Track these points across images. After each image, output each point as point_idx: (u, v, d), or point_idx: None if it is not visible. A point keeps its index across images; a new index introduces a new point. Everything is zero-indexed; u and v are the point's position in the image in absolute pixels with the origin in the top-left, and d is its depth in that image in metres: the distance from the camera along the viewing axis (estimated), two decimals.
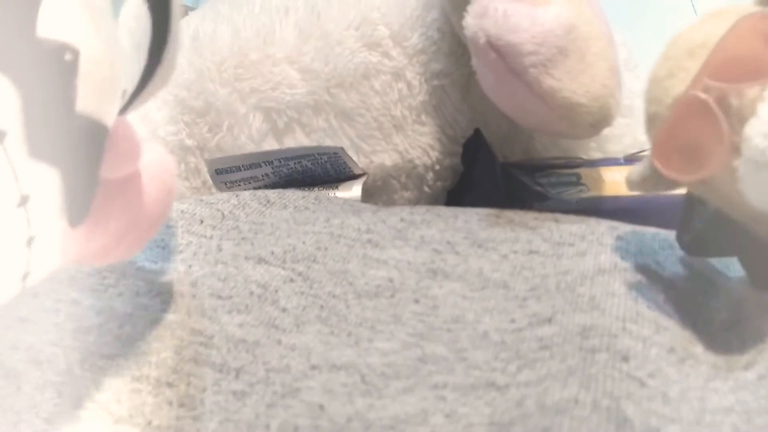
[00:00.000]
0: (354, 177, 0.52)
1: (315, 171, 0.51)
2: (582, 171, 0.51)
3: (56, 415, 0.37)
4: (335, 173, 0.52)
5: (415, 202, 0.54)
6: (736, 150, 0.32)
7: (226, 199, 0.46)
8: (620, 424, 0.31)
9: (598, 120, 0.45)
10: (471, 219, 0.43)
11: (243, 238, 0.43)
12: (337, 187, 0.51)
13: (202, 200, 0.46)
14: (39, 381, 0.37)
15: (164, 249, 0.43)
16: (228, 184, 0.52)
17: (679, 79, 0.35)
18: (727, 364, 0.34)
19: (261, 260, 0.40)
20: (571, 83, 0.43)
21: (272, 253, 0.41)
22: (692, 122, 0.34)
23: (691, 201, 0.38)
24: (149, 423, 0.35)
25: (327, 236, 0.42)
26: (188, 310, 0.38)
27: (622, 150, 0.55)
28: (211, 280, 0.39)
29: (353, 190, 0.51)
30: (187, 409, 0.35)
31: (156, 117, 0.56)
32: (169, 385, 0.36)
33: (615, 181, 0.50)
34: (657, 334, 0.35)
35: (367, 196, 0.53)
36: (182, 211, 0.45)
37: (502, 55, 0.43)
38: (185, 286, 0.39)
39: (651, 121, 0.37)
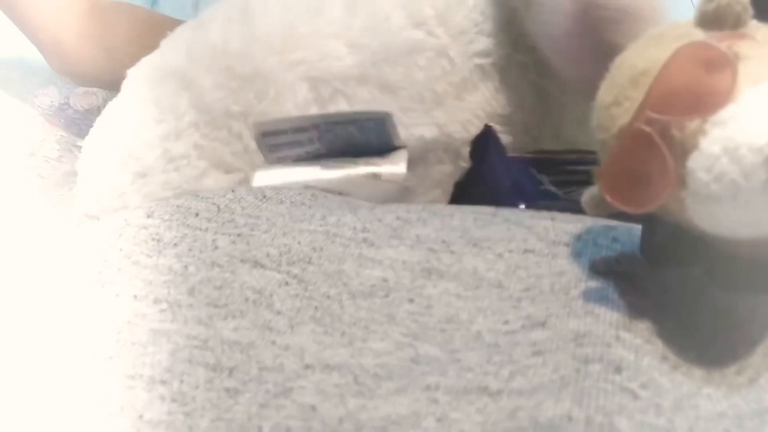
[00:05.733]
0: (394, 149, 0.53)
1: (359, 139, 0.52)
2: (594, 169, 0.51)
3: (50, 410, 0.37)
4: (377, 143, 0.52)
5: (451, 176, 0.55)
6: (682, 182, 0.33)
7: (222, 194, 0.46)
8: None
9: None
10: (467, 217, 0.43)
11: (239, 235, 0.43)
12: (380, 164, 0.52)
13: (198, 195, 0.46)
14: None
15: (159, 242, 0.43)
16: (272, 148, 0.53)
17: (623, 108, 0.35)
18: (720, 369, 0.35)
19: (257, 264, 0.41)
20: None
21: (268, 255, 0.41)
22: (637, 154, 0.34)
23: (651, 214, 0.38)
24: (140, 417, 0.36)
25: (323, 235, 0.42)
26: (185, 319, 0.38)
27: None
28: (208, 288, 0.39)
29: (400, 166, 0.52)
30: (179, 404, 0.36)
31: (203, 82, 0.57)
32: (163, 382, 0.36)
33: None
34: (649, 343, 0.35)
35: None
36: (177, 206, 0.45)
37: None
38: (182, 295, 0.39)
39: (600, 148, 0.37)
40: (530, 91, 0.50)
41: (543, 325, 0.36)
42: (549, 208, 0.44)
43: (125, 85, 0.59)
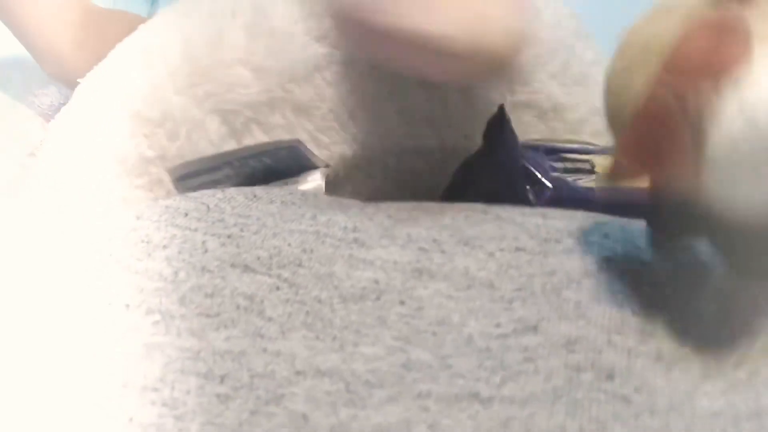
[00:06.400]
0: (313, 169, 0.52)
1: (276, 167, 0.51)
2: (595, 159, 0.51)
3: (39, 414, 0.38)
4: (295, 168, 0.52)
5: (382, 189, 0.54)
6: (698, 147, 0.33)
7: (212, 194, 0.46)
8: None
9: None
10: (458, 215, 0.43)
11: (228, 236, 0.42)
12: (297, 182, 0.52)
13: (187, 196, 0.46)
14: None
15: (148, 244, 0.43)
16: (191, 191, 0.52)
17: (638, 74, 0.35)
18: (718, 363, 0.35)
19: (247, 268, 0.40)
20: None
21: (258, 258, 0.41)
22: (654, 120, 0.34)
23: (662, 188, 0.38)
24: (131, 420, 0.36)
25: (313, 236, 0.42)
26: (178, 331, 0.38)
27: (580, 118, 0.56)
28: (199, 296, 0.39)
29: (313, 181, 0.51)
30: (169, 408, 0.36)
31: (117, 131, 0.56)
32: (154, 389, 0.36)
33: None
34: (642, 344, 0.35)
35: (333, 187, 0.53)
36: (166, 207, 0.45)
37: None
38: (174, 304, 0.39)
39: (612, 112, 0.37)
40: (451, 88, 0.49)
41: (535, 329, 0.36)
42: (562, 197, 0.44)
43: (48, 145, 0.59)
